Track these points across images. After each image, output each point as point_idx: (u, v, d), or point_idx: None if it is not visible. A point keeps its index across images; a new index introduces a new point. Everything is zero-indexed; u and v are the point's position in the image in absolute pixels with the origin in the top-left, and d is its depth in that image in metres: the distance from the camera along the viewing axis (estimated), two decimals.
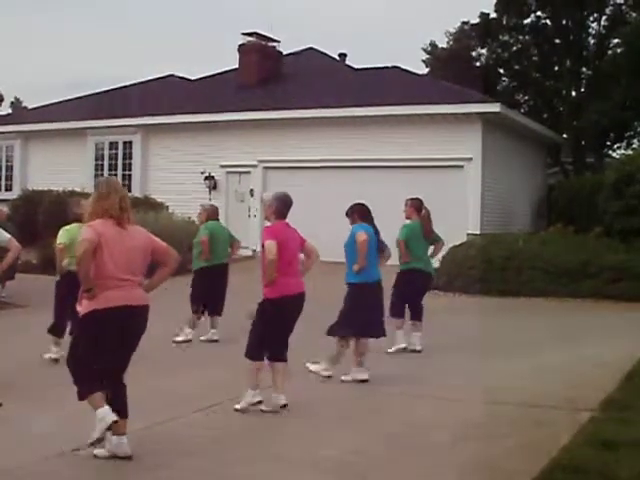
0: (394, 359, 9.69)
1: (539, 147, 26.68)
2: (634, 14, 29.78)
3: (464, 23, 33.93)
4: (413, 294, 10.39)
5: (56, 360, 8.89)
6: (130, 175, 24.86)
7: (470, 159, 20.33)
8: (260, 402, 7.02)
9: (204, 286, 11.11)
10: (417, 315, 10.35)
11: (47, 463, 5.58)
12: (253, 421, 6.83)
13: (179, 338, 10.84)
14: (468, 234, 19.36)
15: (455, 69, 31.35)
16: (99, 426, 5.48)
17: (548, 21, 31.10)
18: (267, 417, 6.93)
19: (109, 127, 24.90)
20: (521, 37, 31.90)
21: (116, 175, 25.00)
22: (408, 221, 10.42)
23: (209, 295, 11.14)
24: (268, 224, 7.35)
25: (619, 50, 29.41)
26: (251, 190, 22.92)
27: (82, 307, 5.63)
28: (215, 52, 72.32)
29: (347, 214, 8.78)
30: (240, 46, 25.88)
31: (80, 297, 5.71)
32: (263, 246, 7.05)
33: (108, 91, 28.25)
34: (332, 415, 7.13)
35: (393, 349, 10.00)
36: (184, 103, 24.71)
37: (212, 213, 11.52)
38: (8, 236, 7.63)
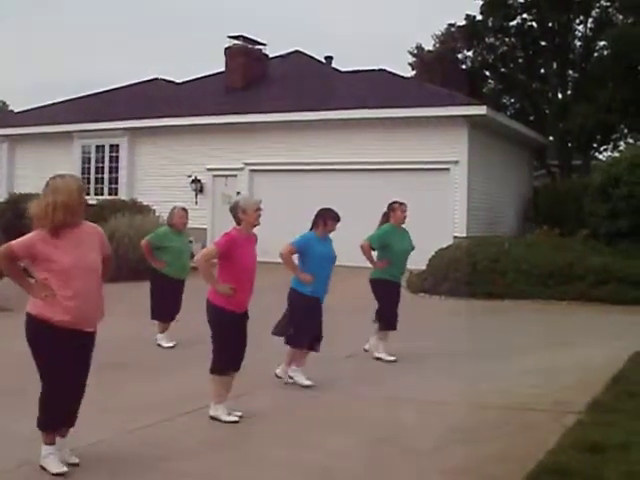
0: (380, 364, 9.68)
1: (525, 149, 26.77)
2: (620, 16, 29.90)
3: (450, 25, 33.99)
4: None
5: None
6: (117, 178, 24.85)
7: (456, 162, 20.37)
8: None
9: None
10: None
11: (31, 466, 5.52)
12: (238, 425, 6.79)
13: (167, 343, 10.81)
14: (454, 237, 19.42)
15: (441, 72, 31.39)
16: None
17: (534, 23, 31.14)
18: (251, 421, 6.90)
19: (96, 130, 24.86)
20: (507, 39, 31.93)
21: (103, 178, 25.09)
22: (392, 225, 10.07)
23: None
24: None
25: (605, 52, 29.49)
26: (237, 193, 22.84)
27: None
28: (201, 55, 72.27)
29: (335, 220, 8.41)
30: (226, 49, 25.87)
31: None
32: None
33: (94, 94, 28.21)
34: (317, 419, 7.13)
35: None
36: (170, 106, 24.63)
37: None
38: None
